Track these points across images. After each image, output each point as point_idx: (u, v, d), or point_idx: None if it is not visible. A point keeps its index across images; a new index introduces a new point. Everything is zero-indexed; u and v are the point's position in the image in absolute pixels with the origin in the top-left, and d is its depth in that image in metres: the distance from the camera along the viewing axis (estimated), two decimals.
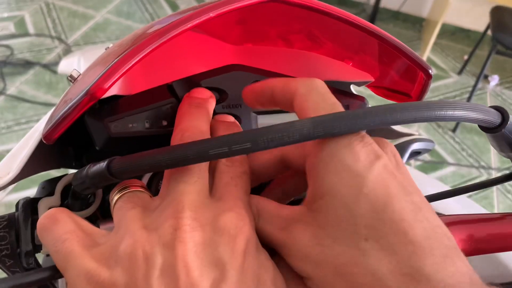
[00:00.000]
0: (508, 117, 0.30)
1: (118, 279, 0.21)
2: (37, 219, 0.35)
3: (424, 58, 2.72)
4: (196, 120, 0.28)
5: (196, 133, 0.27)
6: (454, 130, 2.38)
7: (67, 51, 2.38)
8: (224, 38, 0.39)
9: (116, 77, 0.23)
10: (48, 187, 0.39)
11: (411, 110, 0.23)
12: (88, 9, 2.71)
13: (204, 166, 0.26)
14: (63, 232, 0.23)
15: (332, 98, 0.25)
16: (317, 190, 0.24)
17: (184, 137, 0.27)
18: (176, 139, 0.27)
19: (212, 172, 0.27)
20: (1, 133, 1.93)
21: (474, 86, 2.30)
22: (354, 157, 0.22)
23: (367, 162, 0.22)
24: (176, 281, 0.20)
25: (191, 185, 0.24)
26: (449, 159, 2.22)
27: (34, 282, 0.24)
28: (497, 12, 2.26)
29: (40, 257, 0.36)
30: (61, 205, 0.34)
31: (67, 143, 0.40)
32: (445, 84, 2.68)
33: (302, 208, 0.25)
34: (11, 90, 2.12)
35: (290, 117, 0.37)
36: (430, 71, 0.32)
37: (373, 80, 0.39)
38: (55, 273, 0.24)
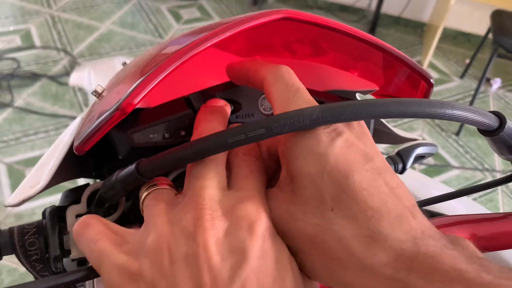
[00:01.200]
0: (505, 121, 0.32)
1: (145, 270, 0.23)
2: (63, 226, 0.37)
3: (426, 62, 2.74)
4: (212, 124, 0.31)
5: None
6: (457, 134, 2.40)
7: (73, 62, 2.41)
8: (232, 50, 0.41)
9: (144, 93, 0.25)
10: (71, 196, 0.41)
11: (414, 105, 0.25)
12: (92, 20, 2.75)
13: (221, 162, 0.28)
14: (94, 234, 0.26)
15: (296, 84, 0.28)
16: (288, 173, 0.27)
17: None
18: None
19: (229, 168, 0.29)
20: (9, 145, 1.96)
21: (477, 90, 2.32)
22: (316, 140, 0.25)
23: (328, 141, 0.25)
24: (199, 268, 0.22)
25: (209, 179, 0.26)
26: (453, 162, 2.23)
27: (73, 281, 0.26)
28: (498, 16, 2.28)
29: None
30: (87, 212, 0.36)
31: (87, 154, 0.43)
32: (447, 88, 2.70)
33: (275, 189, 0.28)
34: (19, 102, 2.15)
35: None
36: (431, 80, 0.34)
37: (377, 88, 0.41)
38: (91, 272, 0.26)
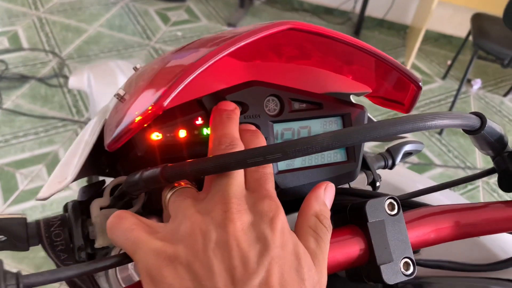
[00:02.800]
0: (486, 121, 0.36)
1: (181, 253, 0.27)
2: (84, 218, 0.40)
3: (409, 64, 2.81)
4: (229, 128, 0.34)
5: (230, 138, 0.33)
6: (440, 133, 2.47)
7: (62, 64, 2.42)
8: (236, 55, 0.44)
9: (172, 96, 0.29)
10: (88, 192, 0.44)
11: (408, 122, 0.29)
12: (80, 22, 2.76)
13: None
14: (129, 224, 0.29)
15: None
16: None
17: (222, 142, 0.33)
18: (215, 144, 0.33)
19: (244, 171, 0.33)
20: None
21: (458, 90, 2.39)
22: None
23: None
24: (229, 252, 0.26)
25: (233, 179, 0.30)
26: (436, 161, 2.30)
27: (109, 266, 0.29)
28: (477, 19, 2.36)
29: None
30: (109, 205, 0.39)
31: (102, 153, 0.46)
32: (430, 89, 2.77)
33: None
34: (8, 104, 2.15)
35: (302, 124, 0.43)
36: (419, 83, 0.39)
37: (370, 91, 0.45)
38: (124, 258, 0.29)
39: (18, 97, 2.20)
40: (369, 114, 0.47)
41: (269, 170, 0.33)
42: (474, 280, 0.46)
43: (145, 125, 0.30)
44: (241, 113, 0.40)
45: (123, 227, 0.29)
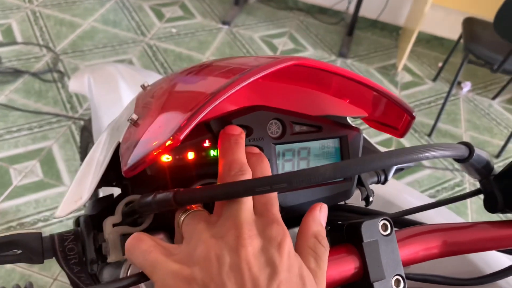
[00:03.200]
0: (474, 150, 0.39)
1: (197, 275, 0.29)
2: (96, 233, 0.43)
3: (401, 65, 2.85)
4: (238, 154, 0.37)
5: (240, 164, 0.36)
6: (429, 135, 2.51)
7: (56, 59, 2.42)
8: None
9: (189, 130, 0.31)
10: (98, 206, 0.46)
11: (404, 155, 0.32)
12: (75, 17, 2.75)
13: None
14: (148, 246, 0.32)
15: None
16: None
17: (232, 169, 0.35)
18: (225, 169, 0.35)
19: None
20: None
21: (448, 93, 2.43)
22: None
23: None
24: (242, 275, 0.29)
25: (243, 204, 0.32)
26: (425, 162, 2.34)
27: (127, 285, 0.32)
28: (469, 24, 2.40)
29: None
30: (121, 222, 0.42)
31: (110, 168, 0.48)
32: (420, 90, 2.82)
33: None
34: (1, 98, 2.15)
35: (302, 145, 0.45)
36: (413, 113, 0.41)
37: (366, 115, 0.48)
38: (142, 277, 0.32)
39: (12, 91, 2.20)
40: (364, 135, 0.50)
41: (274, 194, 0.35)
42: None
43: (162, 155, 0.32)
44: (246, 136, 0.43)
45: (141, 248, 0.32)
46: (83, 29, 2.68)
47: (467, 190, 2.23)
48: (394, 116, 0.44)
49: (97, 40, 2.62)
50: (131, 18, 2.84)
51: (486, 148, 2.52)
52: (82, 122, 2.10)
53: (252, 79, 0.34)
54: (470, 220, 2.08)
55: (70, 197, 0.40)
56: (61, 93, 2.24)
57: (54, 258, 0.42)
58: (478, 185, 0.46)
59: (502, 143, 2.49)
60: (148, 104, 0.41)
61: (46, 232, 1.68)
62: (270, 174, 0.38)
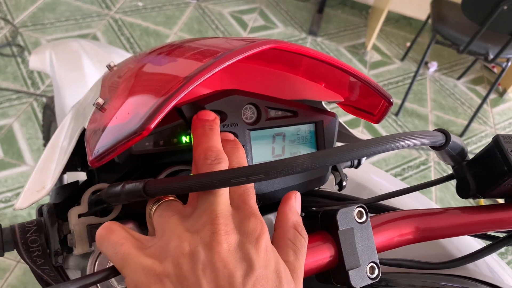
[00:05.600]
0: (450, 137, 0.39)
1: (169, 271, 0.28)
2: (61, 223, 0.40)
3: (370, 44, 2.86)
4: (213, 141, 0.35)
5: (216, 152, 0.34)
6: (396, 114, 2.55)
7: (15, 32, 2.30)
8: None
9: (161, 117, 0.29)
10: (62, 193, 0.44)
11: (381, 144, 0.31)
12: None
13: None
14: (119, 238, 0.30)
15: None
16: None
17: (207, 157, 0.33)
18: (201, 157, 0.34)
19: None
20: None
21: (416, 73, 2.46)
22: None
23: None
24: (216, 272, 0.27)
25: (219, 197, 0.31)
26: None
27: (97, 281, 0.30)
28: (437, 5, 2.42)
29: None
30: (87, 212, 0.39)
31: (75, 153, 0.45)
32: (389, 70, 2.85)
33: None
34: None
35: (277, 131, 0.44)
36: (391, 100, 0.41)
37: (342, 100, 0.47)
38: (113, 272, 0.30)
39: None
40: (340, 120, 0.49)
41: (250, 185, 0.34)
42: (429, 277, 0.50)
43: (130, 145, 0.30)
44: (220, 122, 0.41)
45: (112, 240, 0.30)
46: (44, 1, 2.55)
47: (432, 169, 2.29)
48: (371, 102, 0.43)
49: (59, 12, 2.50)
50: None
51: (451, 127, 2.58)
52: (44, 99, 2.01)
53: (228, 63, 0.32)
54: (434, 199, 2.15)
55: (32, 186, 0.38)
56: (21, 68, 2.14)
57: (15, 250, 0.39)
58: (444, 164, 0.47)
59: (466, 122, 2.56)
60: (115, 86, 0.39)
61: (7, 214, 1.62)
62: (246, 163, 0.37)
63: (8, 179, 1.74)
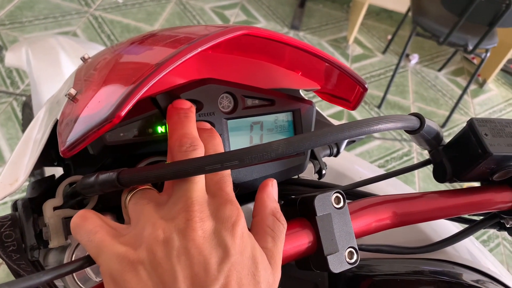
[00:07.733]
0: (425, 121, 0.39)
1: (144, 258, 0.27)
2: (36, 217, 0.40)
3: (352, 38, 2.88)
4: (188, 128, 0.35)
5: (191, 139, 0.33)
6: (379, 106, 2.57)
7: None
8: None
9: (131, 105, 0.29)
10: (38, 187, 0.44)
11: (356, 128, 0.31)
12: None
13: None
14: (93, 226, 0.30)
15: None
16: None
17: (182, 143, 0.33)
18: (175, 145, 0.33)
19: None
20: None
21: (397, 65, 2.48)
22: None
23: None
24: (191, 260, 0.27)
25: (195, 184, 0.31)
26: (375, 134, 2.40)
27: (72, 270, 0.29)
28: None
29: None
30: (62, 205, 0.39)
31: (50, 147, 0.45)
32: (370, 63, 2.86)
33: None
34: None
35: (255, 119, 0.44)
36: (365, 85, 0.41)
37: (319, 87, 0.47)
38: (88, 261, 0.30)
39: None
40: (317, 108, 0.49)
41: (227, 172, 0.34)
42: (410, 261, 0.51)
43: (102, 133, 0.30)
44: (196, 111, 0.41)
45: (87, 228, 0.30)
46: None
47: (415, 160, 2.32)
48: (346, 88, 0.44)
49: (37, 10, 2.46)
50: None
51: (433, 118, 2.61)
52: (24, 98, 1.98)
53: (200, 49, 0.32)
54: (417, 189, 2.17)
55: (4, 180, 0.37)
56: (0, 68, 2.10)
57: None
58: (426, 155, 0.47)
59: (447, 113, 2.59)
60: (89, 77, 0.38)
61: None
62: (222, 150, 0.36)
63: None
